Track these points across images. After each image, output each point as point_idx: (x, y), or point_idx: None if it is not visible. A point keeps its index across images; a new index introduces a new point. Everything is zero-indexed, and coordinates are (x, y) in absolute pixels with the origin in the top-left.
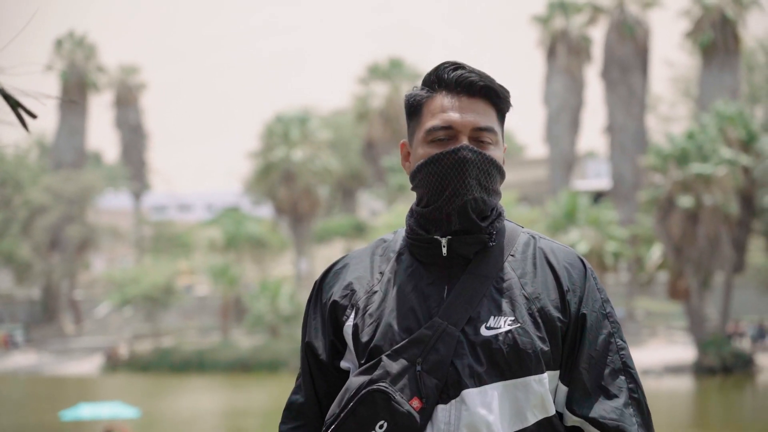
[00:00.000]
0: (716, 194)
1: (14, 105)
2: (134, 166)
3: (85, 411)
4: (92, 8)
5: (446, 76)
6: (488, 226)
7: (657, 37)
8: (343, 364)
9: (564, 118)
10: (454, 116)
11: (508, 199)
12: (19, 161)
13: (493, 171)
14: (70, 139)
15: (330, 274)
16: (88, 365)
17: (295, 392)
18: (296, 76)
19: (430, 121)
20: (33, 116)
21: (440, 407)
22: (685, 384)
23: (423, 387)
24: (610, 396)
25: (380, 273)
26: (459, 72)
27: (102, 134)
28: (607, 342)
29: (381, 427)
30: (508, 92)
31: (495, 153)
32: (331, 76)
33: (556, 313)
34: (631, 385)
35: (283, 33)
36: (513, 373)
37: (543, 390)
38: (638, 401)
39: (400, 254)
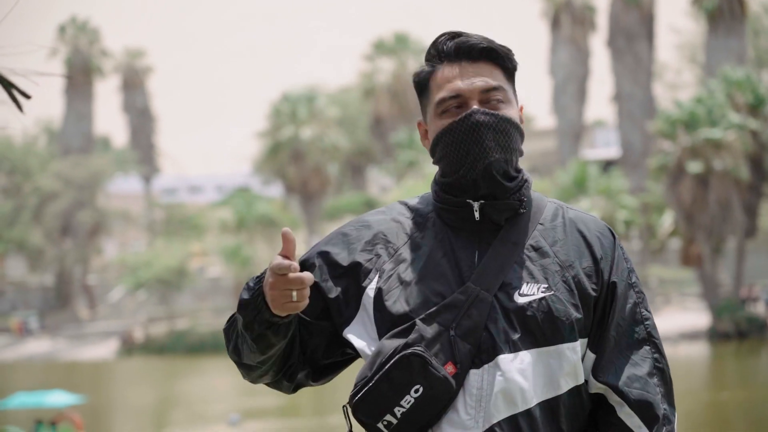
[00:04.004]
0: (726, 159)
1: (7, 85)
2: (143, 149)
3: (23, 400)
4: None
5: (445, 46)
6: (517, 191)
7: (662, 4)
8: (348, 335)
9: (570, 88)
10: (459, 83)
11: None
12: (28, 148)
13: (510, 128)
14: (77, 125)
15: (352, 230)
16: (104, 350)
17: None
18: (303, 55)
19: (438, 94)
20: (27, 97)
21: (472, 372)
22: (700, 350)
23: (457, 352)
24: (635, 365)
25: (407, 235)
26: (456, 40)
27: (110, 119)
28: (633, 312)
29: (416, 391)
30: (509, 50)
31: (508, 111)
32: (336, 54)
33: (589, 281)
34: (655, 355)
35: (290, 12)
36: (547, 341)
37: (576, 358)
38: (662, 371)
39: (427, 218)
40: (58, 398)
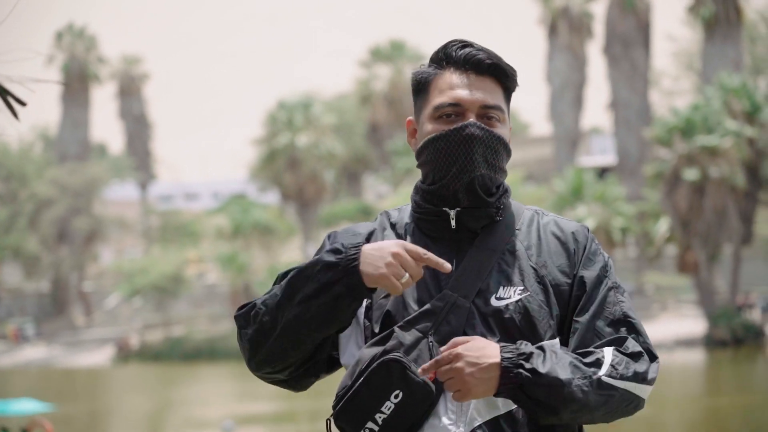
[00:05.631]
0: (722, 166)
1: (2, 92)
2: (139, 156)
3: None
4: (93, 0)
5: (455, 53)
6: (495, 201)
7: (658, 11)
8: (341, 342)
9: (567, 95)
10: (462, 93)
11: (514, 178)
12: (24, 155)
13: (500, 148)
14: (74, 132)
15: (345, 239)
16: (100, 356)
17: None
18: (299, 61)
19: (438, 98)
20: (22, 104)
21: None
22: (696, 357)
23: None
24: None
25: None
26: (467, 50)
27: (106, 125)
28: (605, 296)
29: (396, 397)
30: (515, 71)
31: (502, 131)
32: (333, 61)
33: (563, 277)
34: (632, 335)
35: (285, 19)
36: (526, 341)
37: None
38: (647, 350)
39: (407, 229)
40: (26, 406)
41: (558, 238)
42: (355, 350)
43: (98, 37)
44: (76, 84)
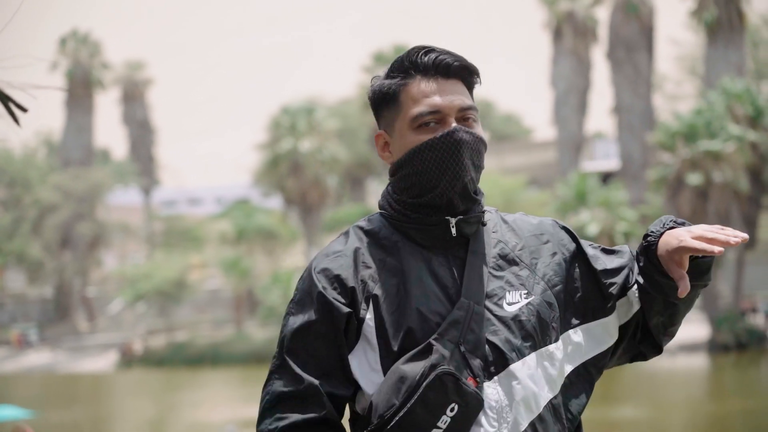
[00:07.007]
0: (725, 171)
1: (3, 99)
2: (143, 161)
3: None
4: (97, 6)
5: (420, 60)
6: (481, 202)
7: (661, 16)
8: (351, 362)
9: (571, 99)
10: (438, 100)
11: (518, 183)
12: (28, 160)
13: (483, 149)
14: (77, 137)
15: (322, 269)
16: (103, 362)
17: (288, 382)
18: (302, 66)
19: (415, 108)
20: (24, 110)
21: (486, 385)
22: (699, 362)
23: (473, 366)
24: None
25: (381, 261)
26: (433, 55)
27: (110, 131)
28: (593, 247)
29: (452, 410)
30: (478, 69)
31: (479, 130)
32: (336, 66)
33: (555, 274)
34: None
35: (288, 24)
36: (541, 343)
37: (561, 356)
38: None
39: (395, 241)
40: (7, 413)
41: (534, 234)
42: (368, 371)
43: (102, 43)
44: (80, 90)
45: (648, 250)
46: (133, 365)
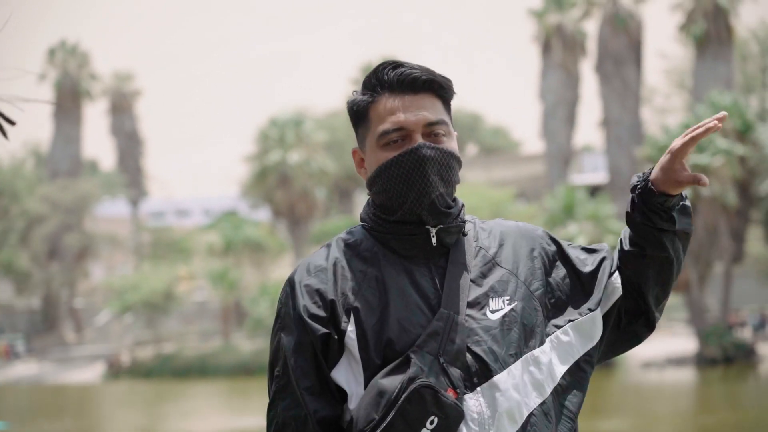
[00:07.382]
0: (713, 185)
1: None
2: (131, 173)
3: None
4: (85, 17)
5: (387, 76)
6: (458, 215)
7: (650, 29)
8: (335, 377)
9: (560, 113)
10: (402, 116)
11: (506, 196)
12: (15, 171)
13: (453, 163)
14: (65, 148)
15: (303, 284)
16: (90, 373)
17: (291, 405)
18: (290, 78)
19: (380, 125)
20: (12, 123)
21: (467, 396)
22: (687, 375)
23: (452, 377)
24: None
25: (361, 272)
26: (400, 70)
27: (98, 142)
28: (574, 246)
29: (432, 423)
30: (450, 81)
31: (450, 144)
32: (324, 78)
33: (535, 279)
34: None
35: (276, 36)
36: (525, 348)
37: (547, 360)
38: None
39: (375, 252)
40: None
41: (514, 238)
42: (353, 384)
43: (90, 54)
44: (68, 101)
45: (645, 192)
46: (121, 376)
